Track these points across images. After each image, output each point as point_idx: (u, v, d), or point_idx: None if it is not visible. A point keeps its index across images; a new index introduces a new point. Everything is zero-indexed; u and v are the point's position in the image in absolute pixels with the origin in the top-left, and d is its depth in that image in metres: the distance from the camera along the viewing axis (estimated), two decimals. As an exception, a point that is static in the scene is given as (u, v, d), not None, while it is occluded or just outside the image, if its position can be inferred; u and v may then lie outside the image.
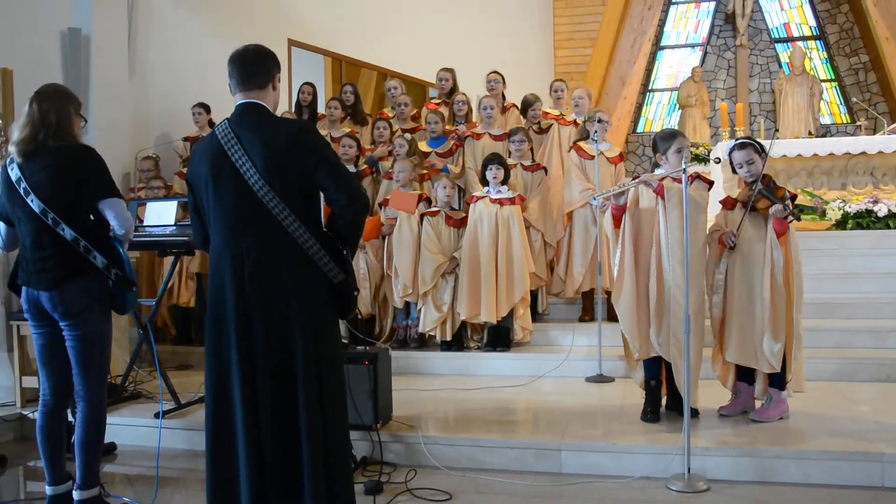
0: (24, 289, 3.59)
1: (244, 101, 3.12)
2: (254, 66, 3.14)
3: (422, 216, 6.37)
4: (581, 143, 6.63)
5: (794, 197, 4.33)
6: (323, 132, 7.70)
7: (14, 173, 3.48)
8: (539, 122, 7.42)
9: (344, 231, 3.15)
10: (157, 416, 4.86)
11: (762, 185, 4.39)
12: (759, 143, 4.55)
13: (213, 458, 3.11)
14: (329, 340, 3.14)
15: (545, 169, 6.84)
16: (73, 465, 3.63)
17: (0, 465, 4.62)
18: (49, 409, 3.66)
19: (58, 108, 3.51)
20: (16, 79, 5.25)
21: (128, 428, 5.01)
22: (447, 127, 7.44)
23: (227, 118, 3.13)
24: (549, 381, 5.80)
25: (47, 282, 3.48)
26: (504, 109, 7.76)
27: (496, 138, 7.05)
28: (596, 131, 6.26)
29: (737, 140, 4.68)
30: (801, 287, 4.43)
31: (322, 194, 3.13)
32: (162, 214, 5.53)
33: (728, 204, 4.67)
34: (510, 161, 6.51)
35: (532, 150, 6.88)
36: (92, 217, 3.56)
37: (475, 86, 8.53)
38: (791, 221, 4.34)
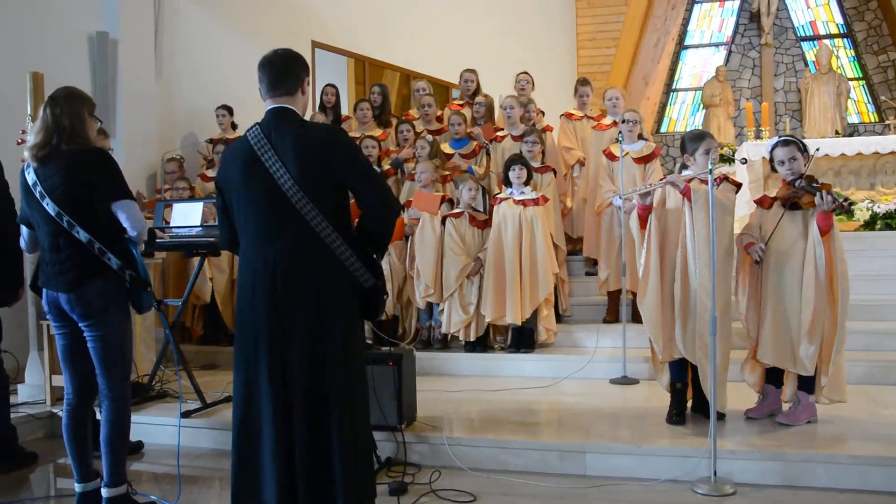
0: (44, 290, 3.64)
1: (274, 105, 3.13)
2: (283, 71, 3.15)
3: (444, 218, 6.37)
4: (610, 146, 6.62)
5: (843, 201, 4.25)
6: (353, 134, 7.73)
7: (31, 177, 3.53)
8: (534, 124, 7.37)
9: (375, 233, 3.19)
10: (182, 415, 4.89)
11: (805, 182, 4.34)
12: (801, 142, 4.51)
13: (238, 458, 3.13)
14: (356, 342, 3.18)
15: (554, 171, 6.82)
16: (101, 463, 3.66)
17: (31, 461, 4.68)
18: (73, 408, 3.70)
19: (70, 111, 3.54)
20: (46, 82, 5.31)
21: (155, 427, 5.05)
22: (469, 129, 7.44)
23: (258, 123, 3.14)
24: (573, 383, 5.77)
25: (65, 284, 3.53)
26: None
27: (517, 138, 7.03)
28: (620, 132, 6.25)
29: (780, 137, 4.62)
30: (846, 288, 4.32)
31: (353, 197, 3.15)
32: (188, 216, 5.57)
33: (765, 203, 4.61)
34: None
35: (543, 151, 6.86)
36: (106, 219, 3.58)
37: (498, 87, 8.53)
38: (839, 214, 4.27)
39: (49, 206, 3.48)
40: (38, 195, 3.50)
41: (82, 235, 3.48)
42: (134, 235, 3.65)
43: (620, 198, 5.92)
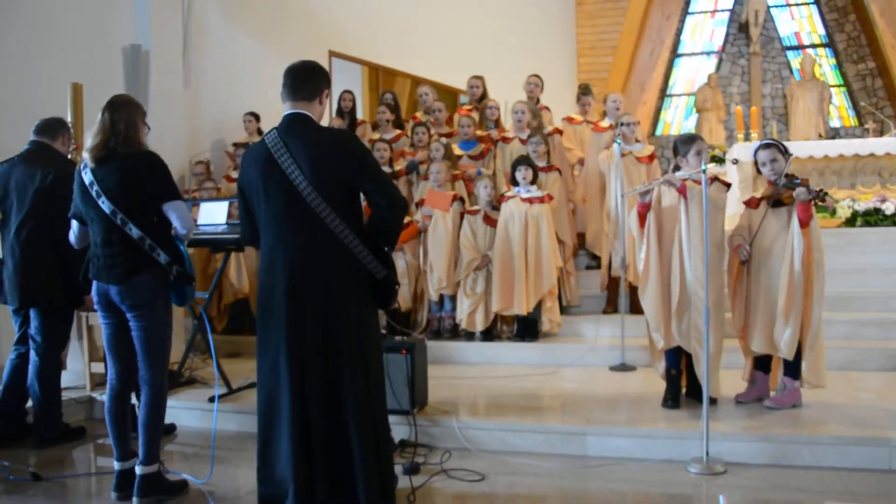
0: (94, 283, 3.67)
1: (291, 111, 3.18)
2: (305, 79, 3.21)
3: (462, 214, 6.39)
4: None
5: (818, 191, 4.26)
6: (375, 136, 7.73)
7: (87, 177, 3.56)
8: (540, 126, 7.32)
9: (385, 230, 3.22)
10: (210, 399, 4.93)
11: (786, 180, 4.35)
12: (781, 144, 4.52)
13: (263, 441, 3.16)
14: (371, 328, 3.22)
15: (559, 171, 6.82)
16: (137, 443, 3.69)
17: (80, 435, 4.81)
18: (116, 393, 3.74)
19: (127, 117, 3.58)
20: (84, 92, 5.37)
21: (185, 411, 5.10)
22: (478, 132, 7.44)
23: (275, 127, 3.17)
24: (575, 370, 5.79)
25: (116, 276, 3.56)
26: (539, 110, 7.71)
27: (524, 142, 7.02)
28: (620, 134, 6.24)
29: (761, 141, 4.64)
30: (822, 277, 4.34)
31: (364, 197, 3.18)
32: (214, 214, 5.60)
33: (752, 203, 4.62)
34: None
35: (548, 152, 6.85)
36: (156, 218, 3.62)
37: (504, 93, 8.52)
38: (816, 205, 4.28)
39: (104, 205, 3.51)
40: (94, 194, 3.53)
41: (134, 232, 3.52)
42: (183, 234, 3.69)
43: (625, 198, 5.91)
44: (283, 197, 3.08)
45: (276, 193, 3.09)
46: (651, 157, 6.55)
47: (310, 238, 3.07)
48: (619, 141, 6.17)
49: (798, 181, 4.31)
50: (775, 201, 4.41)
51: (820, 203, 4.24)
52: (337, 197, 3.07)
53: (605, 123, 7.19)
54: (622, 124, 6.38)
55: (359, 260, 3.11)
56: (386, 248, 3.26)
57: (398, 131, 7.93)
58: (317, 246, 3.07)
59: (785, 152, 4.49)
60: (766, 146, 4.51)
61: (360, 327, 3.14)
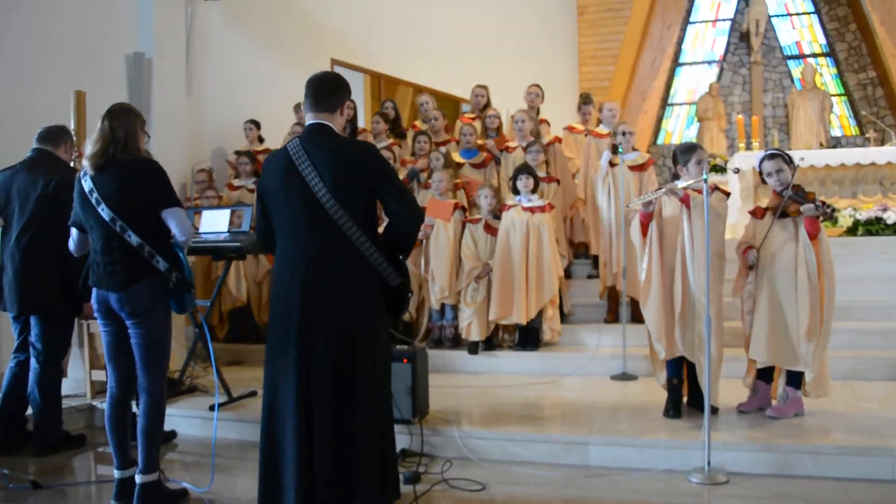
0: (94, 290, 3.67)
1: (314, 121, 3.24)
2: (327, 91, 3.27)
3: (463, 223, 6.39)
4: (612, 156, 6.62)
5: (823, 203, 4.26)
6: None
7: (87, 184, 3.57)
8: (539, 135, 7.32)
9: (401, 239, 3.29)
10: (211, 408, 4.91)
11: (792, 192, 4.34)
12: (787, 154, 4.51)
13: (266, 444, 3.17)
14: (381, 336, 3.25)
15: (558, 181, 6.82)
16: (137, 452, 3.68)
17: (80, 443, 4.80)
18: (116, 401, 3.73)
19: (126, 125, 3.60)
20: (87, 99, 5.38)
21: (185, 419, 5.08)
22: (479, 140, 7.44)
23: (297, 136, 3.24)
24: (576, 379, 5.77)
25: (116, 283, 3.56)
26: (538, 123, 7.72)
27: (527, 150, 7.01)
28: (620, 143, 6.23)
29: (766, 151, 4.63)
30: (832, 289, 4.33)
31: (382, 206, 3.23)
32: (216, 222, 5.59)
33: (758, 213, 4.61)
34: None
35: (547, 161, 6.83)
36: (155, 224, 3.62)
37: (505, 101, 8.53)
38: (823, 221, 4.27)
39: (104, 212, 3.51)
40: (93, 201, 3.54)
41: (133, 239, 3.52)
42: (182, 241, 3.69)
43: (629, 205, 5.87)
44: (302, 204, 3.13)
45: (295, 200, 3.15)
46: (643, 167, 6.52)
47: (327, 245, 3.12)
48: (620, 150, 6.16)
49: (804, 194, 4.31)
50: (781, 212, 4.40)
51: (826, 219, 4.24)
52: (355, 206, 3.13)
53: (604, 130, 7.19)
54: (621, 133, 6.38)
55: (374, 268, 3.16)
56: (400, 257, 3.31)
57: (391, 140, 7.92)
58: (333, 253, 3.13)
59: (790, 162, 4.48)
60: (772, 156, 4.49)
61: (371, 335, 3.17)
